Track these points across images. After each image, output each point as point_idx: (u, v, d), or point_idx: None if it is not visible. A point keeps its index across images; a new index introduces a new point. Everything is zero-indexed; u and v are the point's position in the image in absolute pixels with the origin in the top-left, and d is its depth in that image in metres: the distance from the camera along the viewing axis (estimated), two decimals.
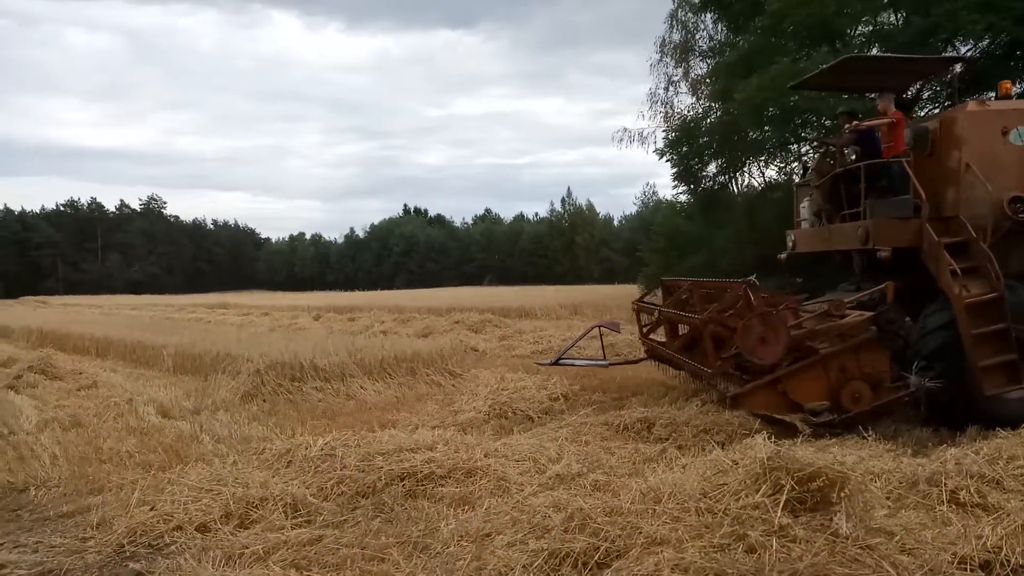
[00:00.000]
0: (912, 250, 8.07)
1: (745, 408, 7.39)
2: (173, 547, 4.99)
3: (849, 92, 10.93)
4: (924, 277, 7.97)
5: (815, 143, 9.57)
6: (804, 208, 9.99)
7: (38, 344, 19.61)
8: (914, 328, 7.72)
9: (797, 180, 12.44)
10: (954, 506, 4.81)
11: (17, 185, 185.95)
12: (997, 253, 7.68)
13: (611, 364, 10.35)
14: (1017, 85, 18.32)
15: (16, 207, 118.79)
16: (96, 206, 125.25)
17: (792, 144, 23.91)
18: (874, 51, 20.92)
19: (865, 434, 6.79)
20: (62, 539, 5.34)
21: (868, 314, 7.27)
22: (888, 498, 5.03)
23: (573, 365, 10.19)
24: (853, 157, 9.15)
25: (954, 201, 8.16)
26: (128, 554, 4.99)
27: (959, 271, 7.51)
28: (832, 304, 7.70)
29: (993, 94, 9.38)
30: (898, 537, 4.23)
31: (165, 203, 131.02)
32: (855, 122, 9.07)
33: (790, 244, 10.17)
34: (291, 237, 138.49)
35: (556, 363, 9.99)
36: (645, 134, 28.84)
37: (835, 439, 6.83)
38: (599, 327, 10.69)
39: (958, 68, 11.27)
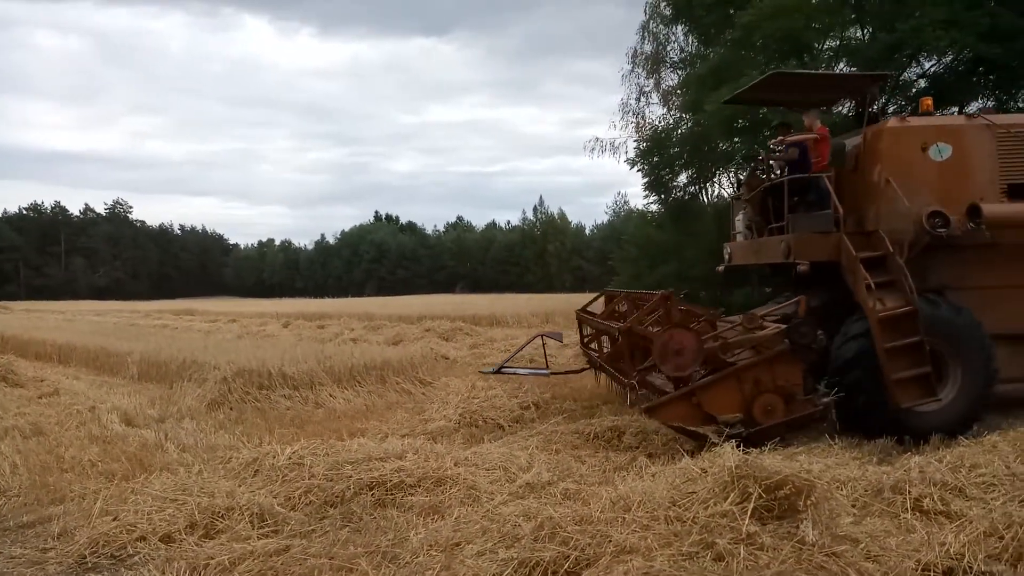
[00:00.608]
0: (834, 264, 8.23)
1: (660, 419, 7.43)
2: (136, 558, 4.90)
3: (780, 106, 11.06)
4: (847, 290, 8.14)
5: (770, 153, 9.62)
6: (739, 221, 10.19)
7: None
8: (830, 341, 7.79)
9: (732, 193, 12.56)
10: (918, 513, 4.89)
11: None
12: (917, 267, 7.85)
13: (552, 373, 10.44)
14: (981, 100, 18.78)
15: None
16: (60, 210, 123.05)
17: (761, 156, 24.23)
18: (841, 65, 21.32)
19: (832, 442, 6.89)
20: (22, 550, 5.24)
21: (781, 327, 7.37)
22: (854, 506, 5.09)
23: (516, 374, 10.23)
24: (777, 172, 9.35)
25: (875, 215, 8.36)
26: (90, 565, 4.90)
27: (874, 285, 7.65)
28: (746, 317, 7.82)
29: (956, 109, 9.59)
30: (863, 544, 4.29)
31: (131, 207, 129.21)
32: (780, 137, 9.25)
33: (727, 256, 10.37)
34: (260, 243, 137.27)
35: (498, 371, 10.01)
36: (617, 144, 28.90)
37: (803, 447, 6.91)
38: (541, 337, 10.75)
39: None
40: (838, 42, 21.72)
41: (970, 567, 4.14)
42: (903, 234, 7.95)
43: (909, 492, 5.09)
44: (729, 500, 4.38)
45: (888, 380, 7.45)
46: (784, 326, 7.34)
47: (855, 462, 6.23)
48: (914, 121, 8.57)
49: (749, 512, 4.25)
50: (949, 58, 19.21)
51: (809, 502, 4.40)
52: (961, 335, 7.85)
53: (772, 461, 4.76)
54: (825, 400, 7.18)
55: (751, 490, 4.37)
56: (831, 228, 8.31)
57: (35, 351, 18.69)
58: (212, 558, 4.66)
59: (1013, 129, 8.35)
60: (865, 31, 21.02)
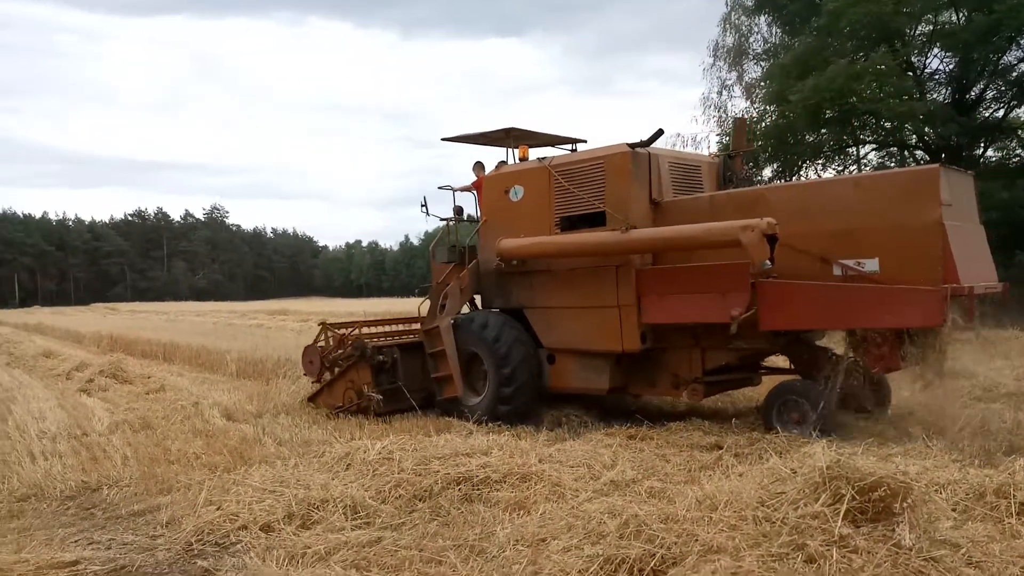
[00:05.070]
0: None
1: (316, 405, 10.54)
2: (239, 546, 5.14)
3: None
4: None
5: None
6: None
7: (108, 349, 20.36)
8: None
9: None
10: (1023, 518, 4.66)
11: (88, 196, 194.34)
12: (504, 290, 9.74)
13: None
14: None
15: (87, 217, 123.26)
16: (162, 216, 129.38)
17: (850, 147, 23.36)
18: (935, 50, 20.53)
19: (928, 443, 6.65)
20: (134, 537, 5.54)
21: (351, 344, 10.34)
22: (954, 510, 4.88)
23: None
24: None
25: (480, 250, 10.05)
26: (196, 552, 5.16)
27: (440, 306, 9.88)
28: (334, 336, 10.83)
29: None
30: (964, 549, 4.11)
31: (227, 212, 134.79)
32: (448, 185, 11.01)
33: None
34: (347, 245, 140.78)
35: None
36: (698, 139, 28.43)
37: (899, 448, 6.67)
38: None
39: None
40: (931, 27, 20.83)
41: None
42: (491, 263, 9.73)
43: (1014, 496, 4.85)
44: (820, 501, 4.27)
45: (432, 378, 9.86)
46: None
47: (955, 464, 5.95)
48: (504, 168, 10.11)
49: (842, 514, 4.13)
50: None
51: (905, 505, 4.23)
52: (484, 346, 9.40)
53: (866, 462, 4.60)
54: (373, 394, 9.82)
55: (844, 491, 4.24)
56: (448, 260, 10.39)
57: (141, 350, 19.72)
58: (309, 547, 4.86)
59: (561, 168, 9.13)
60: (960, 14, 20.06)
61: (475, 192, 10.60)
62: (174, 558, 5.09)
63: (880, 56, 19.21)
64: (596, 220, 8.75)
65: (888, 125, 21.24)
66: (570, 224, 9.04)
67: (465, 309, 10.38)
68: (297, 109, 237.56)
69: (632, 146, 8.52)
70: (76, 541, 5.48)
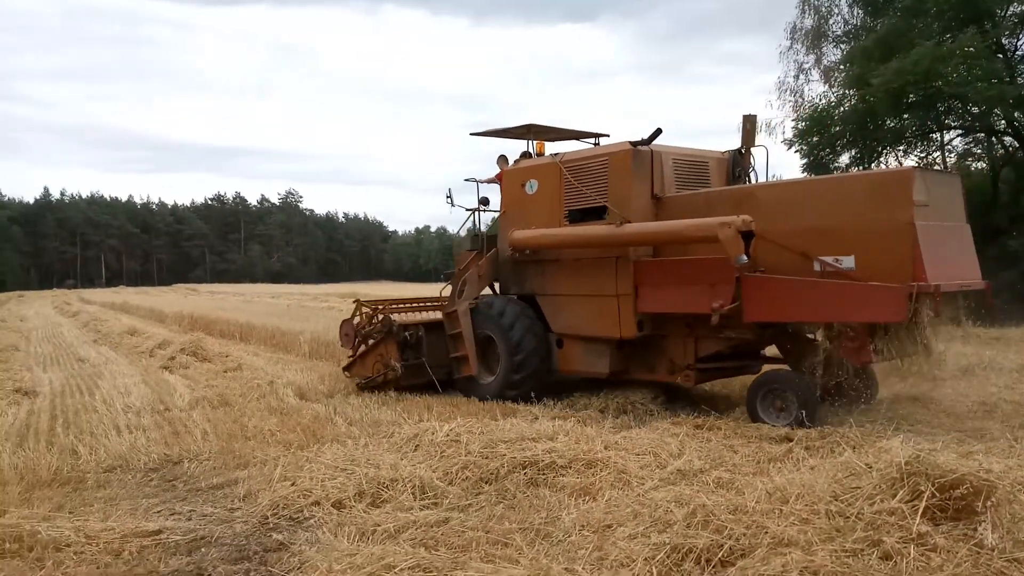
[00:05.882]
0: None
1: (351, 375, 11.29)
2: (312, 521, 5.28)
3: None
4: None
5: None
6: None
7: (189, 328, 21.11)
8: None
9: None
10: None
11: (171, 181, 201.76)
12: (519, 277, 10.29)
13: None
14: None
15: (169, 201, 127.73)
16: (240, 200, 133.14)
17: (934, 133, 22.39)
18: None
19: (1013, 441, 6.37)
20: (212, 509, 5.75)
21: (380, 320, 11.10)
22: None
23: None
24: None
25: (499, 239, 10.49)
26: (271, 525, 5.32)
27: (459, 290, 10.50)
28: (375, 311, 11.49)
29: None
30: None
31: (301, 197, 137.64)
32: (473, 178, 11.42)
33: None
34: (417, 230, 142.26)
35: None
36: (773, 124, 27.57)
37: (980, 445, 6.41)
38: None
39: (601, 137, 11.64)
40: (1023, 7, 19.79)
41: None
42: (508, 251, 10.24)
43: None
44: (898, 498, 4.13)
45: (450, 358, 10.46)
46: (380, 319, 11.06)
47: None
48: (522, 163, 10.56)
49: (920, 511, 4.00)
50: None
51: (989, 504, 4.07)
52: (498, 329, 10.02)
53: (947, 458, 4.44)
54: (395, 366, 10.52)
55: (923, 488, 4.10)
56: (471, 247, 10.95)
57: (220, 329, 20.41)
58: (379, 525, 4.97)
59: (572, 164, 9.56)
60: None
61: (499, 184, 10.98)
62: (251, 530, 5.25)
63: (968, 37, 18.34)
64: (601, 214, 9.19)
65: (975, 110, 20.31)
66: (578, 217, 9.49)
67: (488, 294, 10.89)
68: (369, 96, 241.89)
69: (634, 144, 8.91)
70: (159, 511, 5.72)
